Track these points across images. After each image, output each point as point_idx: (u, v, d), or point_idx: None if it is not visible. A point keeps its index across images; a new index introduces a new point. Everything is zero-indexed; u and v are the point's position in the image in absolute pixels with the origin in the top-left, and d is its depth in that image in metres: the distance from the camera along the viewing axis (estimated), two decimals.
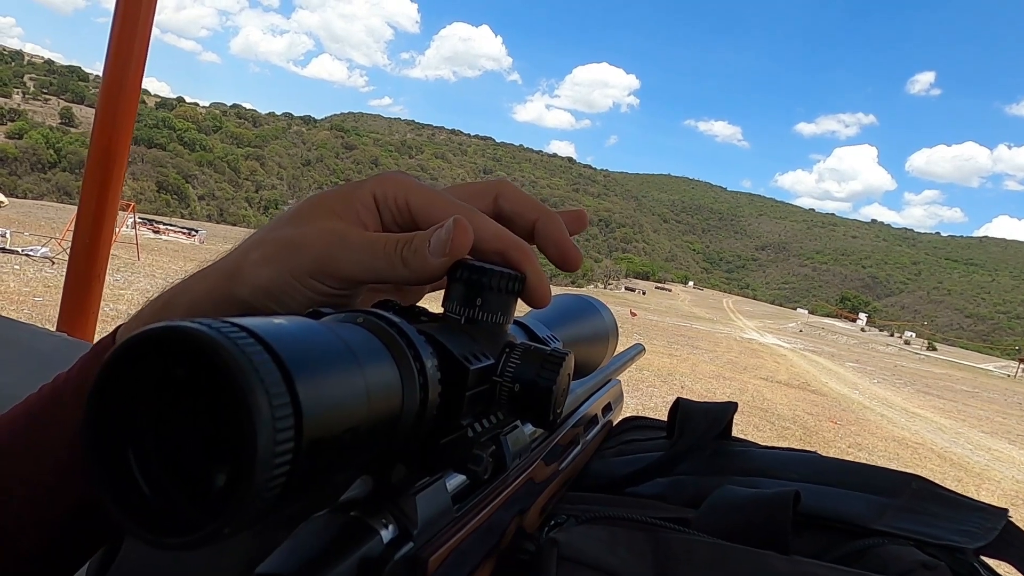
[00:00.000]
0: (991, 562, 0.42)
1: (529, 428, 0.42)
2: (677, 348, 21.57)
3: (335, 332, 0.21)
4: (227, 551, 0.30)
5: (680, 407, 0.59)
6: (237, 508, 0.16)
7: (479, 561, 0.32)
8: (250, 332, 0.17)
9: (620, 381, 0.72)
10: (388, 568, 0.24)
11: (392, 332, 0.24)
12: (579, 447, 0.54)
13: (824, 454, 0.55)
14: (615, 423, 0.67)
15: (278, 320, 0.19)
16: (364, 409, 0.20)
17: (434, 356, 0.26)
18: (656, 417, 0.68)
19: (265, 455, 0.15)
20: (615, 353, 0.64)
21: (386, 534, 0.25)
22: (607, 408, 0.65)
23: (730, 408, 0.59)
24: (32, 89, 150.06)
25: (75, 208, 1.35)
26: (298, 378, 0.17)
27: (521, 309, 0.41)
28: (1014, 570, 0.42)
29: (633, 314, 36.77)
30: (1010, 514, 0.44)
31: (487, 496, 0.34)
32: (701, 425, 0.57)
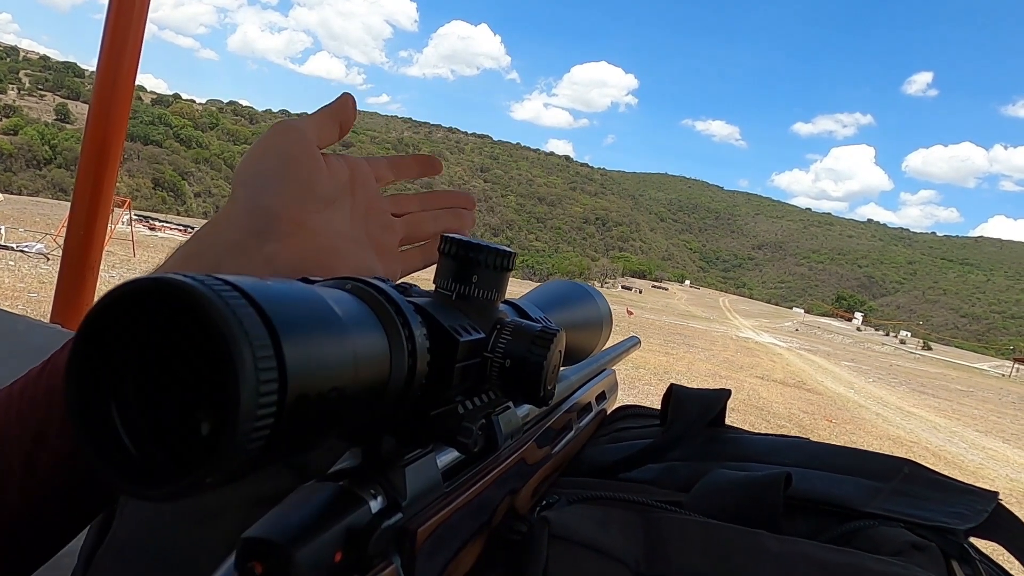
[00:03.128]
0: (981, 544, 0.42)
1: (522, 410, 0.42)
2: (673, 347, 21.61)
3: (323, 295, 0.21)
4: (217, 525, 0.30)
5: (673, 393, 0.59)
6: (220, 458, 0.16)
7: (469, 536, 0.32)
8: (236, 287, 0.17)
9: (615, 371, 0.72)
10: (375, 537, 0.24)
11: (380, 299, 0.24)
12: (572, 433, 0.54)
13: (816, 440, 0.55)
14: (610, 412, 0.67)
15: (266, 280, 0.19)
16: (351, 371, 0.20)
17: (423, 326, 0.26)
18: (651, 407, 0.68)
19: (248, 406, 0.15)
20: (610, 344, 0.64)
21: (374, 504, 0.25)
22: (601, 397, 0.66)
23: (723, 395, 0.60)
24: (27, 85, 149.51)
25: (69, 204, 1.35)
26: (283, 333, 0.17)
27: (514, 292, 0.41)
28: (1004, 551, 0.42)
29: (630, 312, 36.84)
30: (1000, 497, 0.44)
31: (478, 473, 0.34)
32: (694, 411, 0.57)
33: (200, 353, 0.16)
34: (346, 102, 0.47)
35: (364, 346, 0.21)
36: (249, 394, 0.16)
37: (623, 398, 0.69)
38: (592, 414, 0.61)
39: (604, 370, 0.68)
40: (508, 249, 0.33)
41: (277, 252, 0.39)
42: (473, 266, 0.32)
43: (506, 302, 0.40)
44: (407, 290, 0.30)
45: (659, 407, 0.63)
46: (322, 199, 0.43)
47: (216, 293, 0.16)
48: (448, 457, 0.33)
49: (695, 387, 0.60)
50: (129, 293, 0.16)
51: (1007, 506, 0.43)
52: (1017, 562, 0.41)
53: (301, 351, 0.18)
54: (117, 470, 0.17)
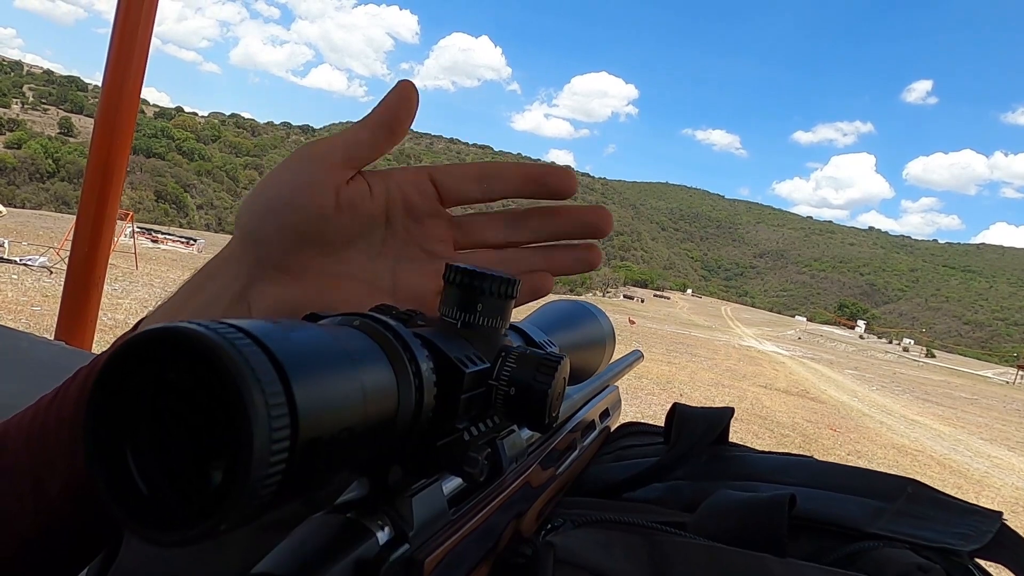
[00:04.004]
0: (986, 564, 0.42)
1: (526, 433, 0.43)
2: (676, 356, 21.56)
3: (331, 334, 0.21)
4: (224, 553, 0.30)
5: (677, 412, 0.60)
6: (233, 505, 0.16)
7: (475, 564, 0.32)
8: (246, 333, 0.17)
9: (618, 387, 0.72)
10: (384, 569, 0.24)
11: (387, 335, 0.24)
12: (576, 452, 0.54)
13: (820, 459, 0.55)
14: (613, 429, 0.68)
15: (274, 322, 0.19)
16: (360, 409, 0.20)
17: (430, 359, 0.26)
18: (654, 424, 0.69)
19: (261, 453, 0.16)
20: (613, 359, 0.65)
21: (382, 536, 0.25)
22: (605, 414, 0.66)
23: (727, 413, 0.60)
24: (31, 99, 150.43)
25: (73, 218, 1.36)
26: (294, 377, 0.17)
27: (517, 315, 0.41)
28: (1008, 572, 0.42)
29: (632, 322, 36.82)
30: (1005, 517, 0.44)
31: (483, 499, 0.34)
32: (698, 430, 0.57)
33: (213, 399, 0.17)
34: (400, 93, 0.37)
35: (372, 383, 0.22)
36: (262, 440, 0.16)
37: (626, 408, 0.69)
38: (596, 432, 0.61)
39: (607, 387, 0.69)
40: (513, 277, 0.33)
41: (273, 294, 0.37)
42: (478, 295, 0.32)
43: (510, 326, 0.40)
44: (413, 320, 0.31)
45: (662, 423, 0.63)
46: (327, 242, 0.38)
47: (228, 341, 0.16)
48: (453, 483, 0.33)
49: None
50: (142, 342, 0.17)
51: (1010, 526, 0.43)
52: None
53: (312, 393, 0.18)
54: (131, 515, 0.17)
